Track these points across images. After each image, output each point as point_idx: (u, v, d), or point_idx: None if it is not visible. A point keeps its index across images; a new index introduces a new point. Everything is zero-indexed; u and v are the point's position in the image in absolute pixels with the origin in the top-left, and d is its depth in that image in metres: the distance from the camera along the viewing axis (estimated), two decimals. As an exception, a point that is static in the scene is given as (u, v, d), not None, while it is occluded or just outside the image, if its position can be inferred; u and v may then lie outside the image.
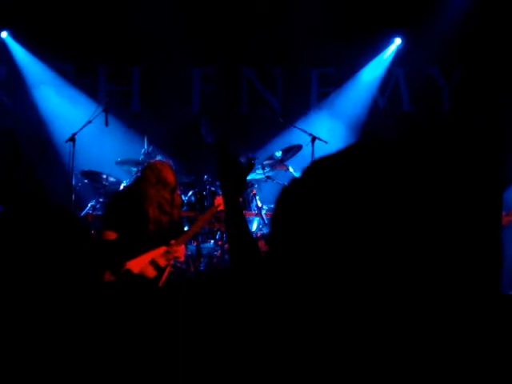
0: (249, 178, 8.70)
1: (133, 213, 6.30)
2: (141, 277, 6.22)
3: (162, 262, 6.38)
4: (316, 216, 1.16)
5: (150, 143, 9.02)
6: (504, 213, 6.97)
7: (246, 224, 3.23)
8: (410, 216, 1.11)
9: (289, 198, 1.25)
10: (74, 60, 10.37)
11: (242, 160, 3.36)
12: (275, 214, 1.29)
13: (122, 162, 8.87)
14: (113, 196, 7.12)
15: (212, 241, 8.20)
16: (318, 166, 1.24)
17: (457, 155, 1.18)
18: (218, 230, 8.07)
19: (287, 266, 1.19)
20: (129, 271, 6.19)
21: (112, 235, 6.27)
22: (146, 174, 6.47)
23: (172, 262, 6.49)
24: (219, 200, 7.13)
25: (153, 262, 6.33)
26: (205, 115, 9.65)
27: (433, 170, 1.16)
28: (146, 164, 7.07)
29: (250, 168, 3.29)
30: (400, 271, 1.09)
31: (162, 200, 6.39)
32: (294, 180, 1.26)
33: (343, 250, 1.12)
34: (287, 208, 1.23)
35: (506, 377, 1.17)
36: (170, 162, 6.72)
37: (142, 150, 8.81)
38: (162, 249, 6.39)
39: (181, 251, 6.52)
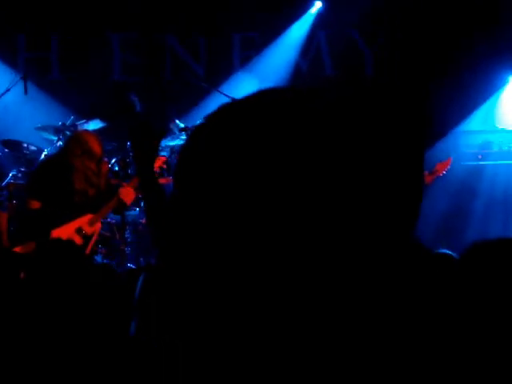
0: (173, 143, 8.67)
1: (58, 184, 6.23)
2: (68, 244, 6.17)
3: (89, 230, 6.33)
4: (223, 166, 1.06)
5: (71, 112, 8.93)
6: (426, 172, 7.13)
7: (162, 193, 3.18)
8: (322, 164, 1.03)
9: (192, 147, 1.14)
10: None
11: (170, 126, 3.35)
12: (178, 166, 1.16)
13: (42, 128, 8.73)
14: (37, 165, 7.03)
15: (137, 208, 8.16)
16: (225, 110, 1.15)
17: (377, 108, 1.12)
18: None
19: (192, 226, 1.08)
20: (55, 239, 6.13)
21: (35, 204, 6.20)
22: (71, 146, 6.39)
23: (98, 230, 6.45)
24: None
25: (79, 230, 6.28)
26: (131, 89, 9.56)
27: (349, 117, 1.08)
28: (70, 135, 6.99)
29: (162, 134, 3.27)
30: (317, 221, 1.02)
31: (88, 171, 6.33)
32: (198, 126, 1.15)
33: (256, 203, 1.03)
34: (191, 158, 1.12)
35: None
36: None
37: (61, 122, 8.67)
38: (88, 216, 6.34)
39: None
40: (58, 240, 6.12)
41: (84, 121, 8.71)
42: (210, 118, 1.14)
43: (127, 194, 6.55)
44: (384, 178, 1.04)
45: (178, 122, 8.67)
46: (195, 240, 1.08)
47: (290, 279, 1.03)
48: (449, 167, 7.86)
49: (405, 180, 1.06)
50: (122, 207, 6.76)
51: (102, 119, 8.77)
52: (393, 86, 10.06)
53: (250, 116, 1.11)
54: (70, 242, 6.18)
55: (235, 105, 1.17)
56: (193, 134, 1.15)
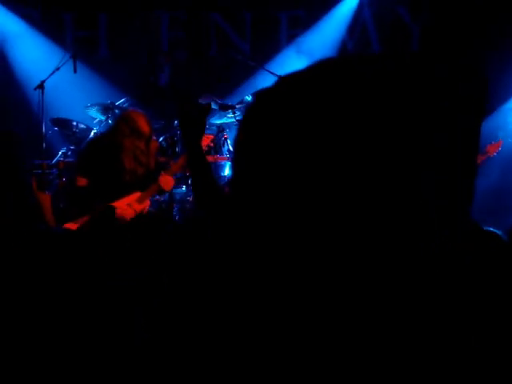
0: (220, 121, 8.71)
1: (108, 163, 6.30)
2: (119, 218, 6.25)
3: (138, 207, 6.41)
4: (286, 135, 1.04)
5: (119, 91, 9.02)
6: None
7: (209, 170, 3.20)
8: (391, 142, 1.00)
9: (255, 116, 1.12)
10: (39, 6, 10.23)
11: (207, 103, 3.37)
12: (239, 137, 1.15)
13: (91, 107, 8.82)
14: (86, 144, 7.11)
15: (184, 186, 8.23)
16: (287, 81, 1.13)
17: (433, 85, 1.08)
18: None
19: (254, 196, 1.08)
20: (111, 208, 6.21)
21: (83, 181, 6.27)
22: (120, 125, 6.43)
23: (147, 207, 6.54)
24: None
25: (129, 206, 6.36)
26: (160, 56, 9.59)
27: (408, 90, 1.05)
28: (119, 114, 7.04)
29: (207, 110, 3.29)
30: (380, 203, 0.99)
31: (137, 151, 6.38)
32: (259, 96, 1.14)
33: (319, 175, 1.01)
34: (253, 127, 1.11)
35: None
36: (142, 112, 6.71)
37: (110, 101, 8.75)
38: (137, 194, 6.42)
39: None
40: (114, 209, 6.21)
41: (126, 99, 8.82)
42: (267, 95, 1.13)
43: (166, 182, 6.63)
44: (439, 152, 1.02)
45: (221, 101, 8.69)
46: (249, 218, 1.07)
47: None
48: (499, 149, 7.86)
49: (461, 156, 1.04)
50: (162, 192, 6.85)
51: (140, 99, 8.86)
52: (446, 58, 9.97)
53: (314, 90, 1.09)
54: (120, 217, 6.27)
55: (298, 76, 1.14)
56: (251, 110, 1.14)
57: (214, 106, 8.68)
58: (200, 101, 8.61)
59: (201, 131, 3.18)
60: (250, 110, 1.14)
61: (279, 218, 1.03)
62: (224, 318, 1.13)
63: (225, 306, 1.13)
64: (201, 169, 3.11)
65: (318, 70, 1.12)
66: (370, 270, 1.01)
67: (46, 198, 6.15)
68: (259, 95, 1.13)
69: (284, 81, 1.14)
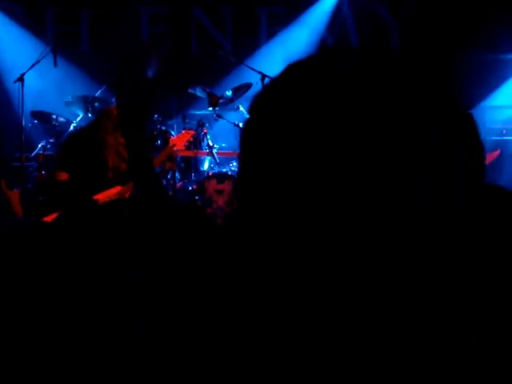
0: (200, 112, 8.76)
1: (90, 158, 6.29)
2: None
3: None
4: (291, 126, 1.02)
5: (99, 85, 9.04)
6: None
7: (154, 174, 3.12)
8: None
9: (266, 102, 1.08)
10: (23, 1, 10.22)
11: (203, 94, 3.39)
12: (247, 127, 1.10)
13: (71, 103, 8.83)
14: (67, 137, 7.11)
15: (164, 180, 8.26)
16: (294, 69, 1.08)
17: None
18: (170, 169, 8.13)
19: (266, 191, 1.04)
20: (92, 201, 6.23)
21: (64, 176, 6.27)
22: (103, 122, 6.41)
23: None
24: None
25: (109, 200, 6.38)
26: (147, 49, 9.61)
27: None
28: (101, 110, 7.04)
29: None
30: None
31: (119, 147, 6.37)
32: (271, 83, 1.09)
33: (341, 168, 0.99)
34: (264, 114, 1.06)
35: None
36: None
37: (90, 95, 8.76)
38: (118, 188, 6.42)
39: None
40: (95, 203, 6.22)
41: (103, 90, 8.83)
42: (274, 83, 1.10)
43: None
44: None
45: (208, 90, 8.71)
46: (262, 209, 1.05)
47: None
48: (494, 159, 7.69)
49: (459, 154, 1.03)
50: None
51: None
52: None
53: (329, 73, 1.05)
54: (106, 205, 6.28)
55: (310, 60, 1.10)
56: (264, 91, 1.11)
57: (201, 94, 8.72)
58: (189, 90, 8.65)
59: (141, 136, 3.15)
60: (257, 98, 1.10)
61: (287, 213, 1.02)
62: (224, 317, 1.13)
63: (225, 306, 1.13)
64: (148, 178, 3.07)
65: (324, 58, 1.08)
66: (368, 270, 1.01)
67: (14, 195, 6.14)
68: (267, 84, 1.10)
69: (291, 68, 1.09)
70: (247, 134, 1.09)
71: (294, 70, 1.08)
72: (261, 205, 1.05)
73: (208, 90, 8.66)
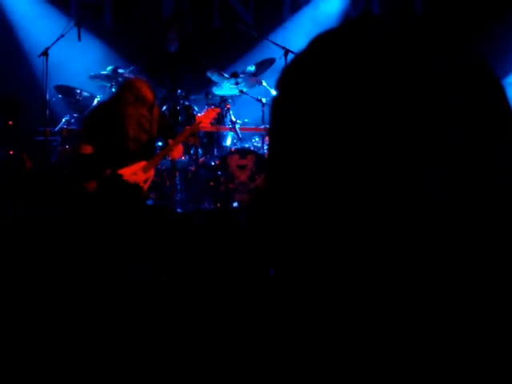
0: (222, 93, 8.75)
1: (112, 130, 6.34)
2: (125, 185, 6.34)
3: (143, 176, 6.49)
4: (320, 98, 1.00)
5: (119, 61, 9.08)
6: None
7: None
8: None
9: (294, 76, 1.06)
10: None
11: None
12: (276, 101, 1.08)
13: (95, 77, 8.85)
14: (90, 111, 7.14)
15: (187, 155, 8.29)
16: (319, 42, 1.06)
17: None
18: (193, 145, 8.15)
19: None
20: (119, 174, 6.31)
21: (88, 149, 6.32)
22: (124, 93, 6.46)
23: (151, 177, 6.62)
24: (200, 118, 7.29)
25: (134, 175, 6.44)
26: (169, 24, 9.59)
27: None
28: (122, 82, 7.07)
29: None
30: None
31: (141, 118, 6.42)
32: (298, 57, 1.07)
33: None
34: (290, 89, 1.05)
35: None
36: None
37: (109, 67, 8.77)
38: (142, 163, 6.48)
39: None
40: (120, 176, 6.30)
41: (131, 68, 8.84)
42: (301, 56, 1.07)
43: (177, 150, 6.77)
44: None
45: (223, 73, 8.71)
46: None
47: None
48: None
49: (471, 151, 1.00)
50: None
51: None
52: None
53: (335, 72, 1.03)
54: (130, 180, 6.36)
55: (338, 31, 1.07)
56: (292, 65, 1.08)
57: (217, 80, 8.71)
58: (208, 73, 8.65)
59: None
60: (285, 73, 1.08)
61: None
62: (224, 317, 1.14)
63: (224, 306, 1.15)
64: None
65: (349, 28, 1.05)
66: (373, 266, 1.01)
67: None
68: (294, 58, 1.08)
69: (316, 41, 1.07)
70: (277, 110, 1.07)
71: (320, 43, 1.06)
72: (292, 185, 1.03)
73: (226, 75, 8.64)
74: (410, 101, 0.98)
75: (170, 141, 6.85)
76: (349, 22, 1.06)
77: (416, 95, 0.99)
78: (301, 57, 1.06)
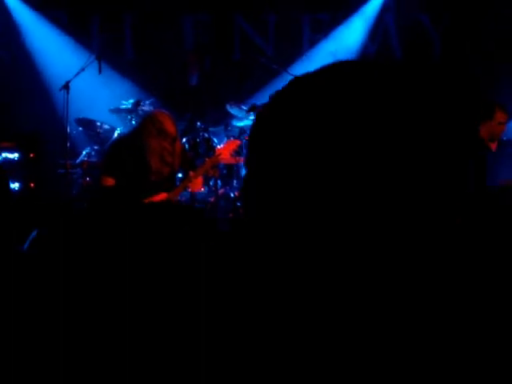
0: (242, 124, 8.78)
1: (134, 162, 6.36)
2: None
3: None
4: (298, 135, 1.07)
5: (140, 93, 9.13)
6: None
7: None
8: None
9: (269, 116, 1.14)
10: (66, 8, 10.35)
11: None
12: (252, 136, 1.17)
13: (116, 110, 8.92)
14: (111, 143, 7.18)
15: (206, 187, 8.30)
16: (297, 85, 1.14)
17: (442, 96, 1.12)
18: (213, 176, 8.17)
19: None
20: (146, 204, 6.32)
21: (110, 181, 6.34)
22: (147, 126, 6.47)
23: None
24: (220, 150, 7.30)
25: None
26: (190, 57, 9.66)
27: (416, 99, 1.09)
28: (145, 114, 7.10)
29: None
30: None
31: (163, 151, 6.42)
32: (273, 97, 1.16)
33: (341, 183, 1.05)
34: (267, 127, 1.13)
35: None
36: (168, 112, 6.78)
37: (130, 100, 8.83)
38: (163, 195, 6.48)
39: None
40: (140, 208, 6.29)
41: (151, 100, 8.89)
42: (280, 96, 1.15)
43: (197, 183, 6.79)
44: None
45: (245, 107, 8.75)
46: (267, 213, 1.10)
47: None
48: None
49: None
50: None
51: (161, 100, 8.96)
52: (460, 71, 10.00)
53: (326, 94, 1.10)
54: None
55: (308, 79, 1.16)
56: (260, 115, 1.17)
57: (236, 113, 8.75)
58: (227, 107, 8.70)
59: None
60: (263, 111, 1.16)
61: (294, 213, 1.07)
62: (223, 318, 1.15)
63: (224, 307, 1.16)
64: None
65: (329, 74, 1.13)
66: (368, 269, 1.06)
67: None
68: (273, 96, 1.16)
69: (296, 82, 1.15)
70: (255, 142, 1.15)
71: (299, 84, 1.13)
72: (267, 210, 1.09)
73: (244, 107, 8.68)
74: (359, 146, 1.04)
75: (191, 173, 6.85)
76: (326, 68, 1.14)
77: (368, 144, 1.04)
78: (280, 96, 1.14)
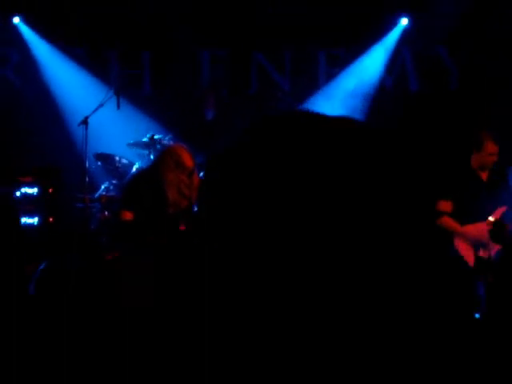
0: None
1: (152, 196, 6.39)
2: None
3: None
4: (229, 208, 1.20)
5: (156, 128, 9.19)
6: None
7: None
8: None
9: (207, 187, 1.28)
10: (84, 44, 10.46)
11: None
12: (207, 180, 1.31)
13: (134, 145, 8.97)
14: (130, 177, 7.22)
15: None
16: (219, 161, 1.28)
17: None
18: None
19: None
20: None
21: (129, 215, 6.37)
22: (165, 159, 6.53)
23: None
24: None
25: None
26: (207, 92, 9.71)
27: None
28: (163, 148, 7.14)
29: None
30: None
31: (180, 184, 6.46)
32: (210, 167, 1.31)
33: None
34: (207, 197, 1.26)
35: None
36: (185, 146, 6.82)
37: (148, 135, 8.88)
38: (182, 228, 6.49)
39: None
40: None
41: (169, 136, 8.94)
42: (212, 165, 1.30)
43: None
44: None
45: None
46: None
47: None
48: None
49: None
50: None
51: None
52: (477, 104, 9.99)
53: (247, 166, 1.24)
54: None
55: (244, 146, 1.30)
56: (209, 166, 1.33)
57: None
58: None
59: None
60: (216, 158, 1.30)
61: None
62: (223, 319, 1.20)
63: (224, 308, 1.21)
64: None
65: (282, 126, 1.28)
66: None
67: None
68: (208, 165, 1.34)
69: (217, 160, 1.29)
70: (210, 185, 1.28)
71: (253, 138, 1.29)
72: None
73: None
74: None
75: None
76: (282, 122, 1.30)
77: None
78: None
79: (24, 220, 8.89)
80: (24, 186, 9.06)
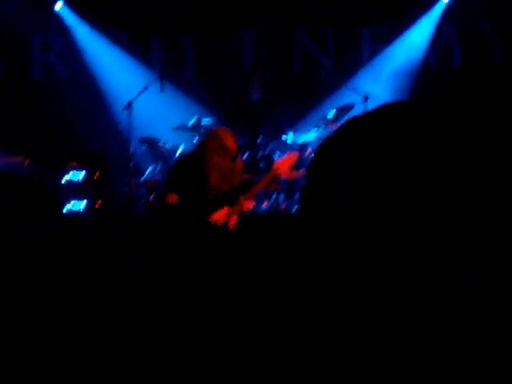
0: (303, 139, 8.79)
1: (195, 179, 6.41)
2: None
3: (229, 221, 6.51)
4: (349, 173, 1.24)
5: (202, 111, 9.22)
6: None
7: None
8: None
9: (323, 156, 1.32)
10: (127, 28, 10.52)
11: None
12: (310, 174, 1.35)
13: (179, 128, 9.00)
14: (175, 161, 7.24)
15: (268, 201, 8.31)
16: (350, 126, 1.32)
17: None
18: (274, 191, 8.19)
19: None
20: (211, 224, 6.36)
21: (174, 198, 6.40)
22: (208, 142, 6.54)
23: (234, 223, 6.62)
24: (277, 164, 7.24)
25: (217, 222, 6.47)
26: (252, 73, 9.69)
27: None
28: (206, 132, 7.15)
29: None
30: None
31: (223, 167, 6.47)
32: (328, 139, 1.34)
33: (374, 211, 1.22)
34: (321, 167, 1.31)
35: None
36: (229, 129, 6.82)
37: (193, 118, 8.90)
38: (226, 209, 6.48)
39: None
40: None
41: (213, 118, 8.95)
42: (339, 134, 1.32)
43: (246, 204, 6.74)
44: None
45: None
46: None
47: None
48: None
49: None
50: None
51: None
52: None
53: (372, 135, 1.28)
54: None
55: (360, 120, 1.33)
56: (322, 147, 1.34)
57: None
58: (283, 137, 8.75)
59: None
60: (319, 151, 1.35)
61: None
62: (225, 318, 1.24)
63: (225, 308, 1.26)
64: None
65: (381, 116, 1.31)
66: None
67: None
68: (329, 136, 1.35)
69: (349, 124, 1.33)
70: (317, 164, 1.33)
71: (351, 127, 1.32)
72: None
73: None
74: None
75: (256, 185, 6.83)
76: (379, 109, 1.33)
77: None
78: (336, 135, 1.33)
79: (72, 203, 9.02)
80: (71, 171, 9.17)
